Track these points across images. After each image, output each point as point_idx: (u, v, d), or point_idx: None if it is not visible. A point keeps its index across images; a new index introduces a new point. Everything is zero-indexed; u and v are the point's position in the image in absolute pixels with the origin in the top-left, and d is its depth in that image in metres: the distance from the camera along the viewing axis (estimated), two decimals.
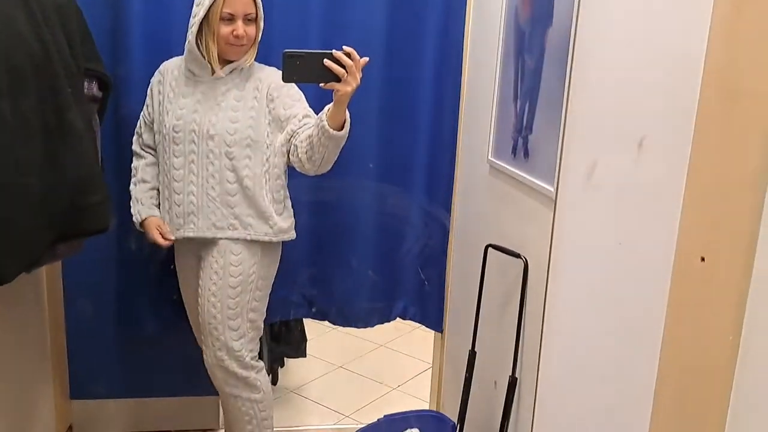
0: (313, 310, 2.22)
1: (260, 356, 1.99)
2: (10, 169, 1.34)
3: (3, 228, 1.35)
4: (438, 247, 2.19)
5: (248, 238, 1.72)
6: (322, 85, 1.52)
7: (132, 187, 1.82)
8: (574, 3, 1.24)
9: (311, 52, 1.50)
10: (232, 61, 1.70)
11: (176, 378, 2.15)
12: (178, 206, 1.73)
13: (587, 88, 1.18)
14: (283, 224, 1.76)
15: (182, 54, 1.75)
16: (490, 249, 1.65)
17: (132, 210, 1.80)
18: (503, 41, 1.70)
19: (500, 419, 1.55)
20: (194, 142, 1.70)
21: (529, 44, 1.55)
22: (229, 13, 1.62)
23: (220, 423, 2.23)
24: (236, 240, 1.72)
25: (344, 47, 1.50)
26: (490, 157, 1.76)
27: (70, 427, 2.15)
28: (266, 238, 1.74)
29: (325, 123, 1.57)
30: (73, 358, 2.07)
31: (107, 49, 1.79)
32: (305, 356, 2.58)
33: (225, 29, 1.63)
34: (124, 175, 1.86)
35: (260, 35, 1.70)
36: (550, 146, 1.37)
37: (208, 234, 1.72)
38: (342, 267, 2.17)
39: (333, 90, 1.52)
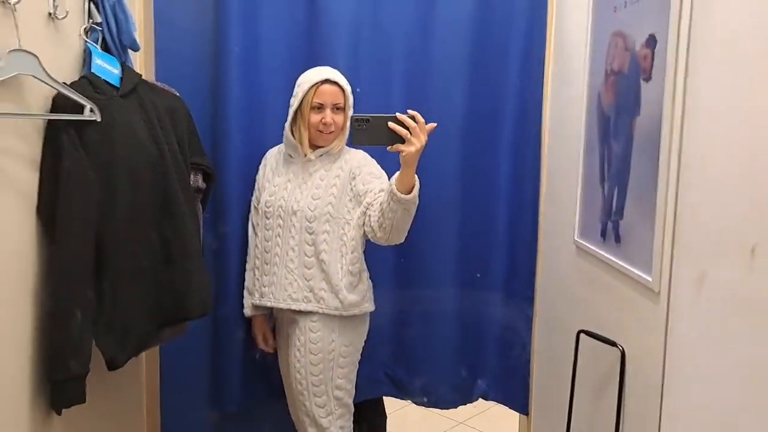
0: (396, 388, 2.22)
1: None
2: (129, 258, 1.45)
3: (122, 317, 1.44)
4: (522, 330, 2.16)
5: (320, 311, 1.78)
6: (388, 148, 1.59)
7: (247, 274, 1.94)
8: (664, 94, 1.25)
9: (376, 116, 1.58)
10: (321, 147, 1.82)
11: None
12: (266, 276, 1.84)
13: (691, 192, 1.15)
14: (353, 298, 1.80)
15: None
16: (582, 335, 1.62)
17: (245, 301, 1.94)
18: (586, 124, 1.72)
19: None
20: (281, 217, 1.82)
21: (615, 130, 1.56)
22: (319, 103, 1.77)
23: None
24: (312, 314, 1.78)
25: (408, 110, 1.57)
26: (577, 238, 1.76)
27: None
28: (336, 313, 1.78)
29: (394, 187, 1.62)
30: None
31: (208, 142, 1.93)
32: None
33: (315, 117, 1.78)
34: (221, 260, 1.97)
35: (348, 123, 1.80)
36: (644, 234, 1.35)
37: (283, 305, 1.81)
38: (426, 347, 2.17)
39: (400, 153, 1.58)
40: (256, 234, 1.91)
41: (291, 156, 1.86)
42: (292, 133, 1.81)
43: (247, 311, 1.94)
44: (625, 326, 1.46)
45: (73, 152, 1.33)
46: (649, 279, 1.32)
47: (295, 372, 1.80)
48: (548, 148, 2.06)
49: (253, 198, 1.95)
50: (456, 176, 2.11)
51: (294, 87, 1.83)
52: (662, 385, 1.25)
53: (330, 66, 1.86)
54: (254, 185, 1.96)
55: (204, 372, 2.08)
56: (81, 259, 1.35)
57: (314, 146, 1.83)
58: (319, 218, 1.78)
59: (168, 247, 1.56)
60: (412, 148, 1.56)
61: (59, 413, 1.39)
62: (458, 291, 2.17)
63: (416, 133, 1.55)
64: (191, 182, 1.69)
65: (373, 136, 1.58)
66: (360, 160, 1.83)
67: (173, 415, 2.09)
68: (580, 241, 1.73)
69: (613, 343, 1.47)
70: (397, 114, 1.56)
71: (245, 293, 1.95)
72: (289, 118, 1.81)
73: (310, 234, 1.78)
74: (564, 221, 1.86)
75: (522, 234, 2.14)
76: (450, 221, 2.12)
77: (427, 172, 1.79)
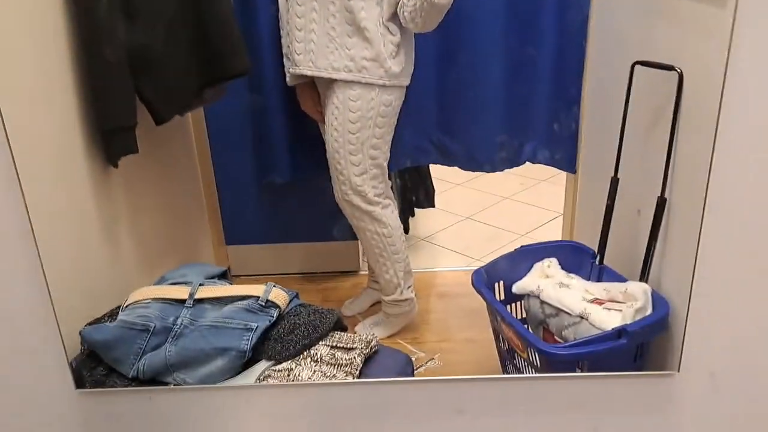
0: (442, 155, 2.23)
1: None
2: (163, 16, 1.41)
3: (162, 71, 1.44)
4: (572, 77, 2.07)
5: (362, 81, 1.73)
6: None
7: (283, 40, 1.87)
8: None
9: None
10: None
11: (318, 223, 2.28)
12: (299, 43, 1.76)
13: None
14: (396, 68, 1.75)
15: None
16: (636, 66, 1.54)
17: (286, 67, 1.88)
18: None
19: (646, 243, 1.51)
20: None
21: None
22: None
23: (361, 265, 2.38)
24: (353, 83, 1.74)
25: None
26: None
27: (228, 269, 2.37)
28: (380, 82, 1.74)
29: None
30: (224, 208, 2.25)
31: None
32: (434, 206, 2.65)
33: None
34: (252, 21, 1.91)
35: None
36: None
37: (324, 74, 1.75)
38: (470, 110, 2.13)
39: None
40: None
41: None
42: None
43: (290, 80, 1.90)
44: (684, 48, 1.37)
45: None
46: None
47: (332, 130, 1.80)
48: None
49: None
50: None
51: None
52: (719, 106, 1.19)
53: None
54: None
55: (250, 140, 2.13)
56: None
57: None
58: None
59: (200, 7, 1.50)
60: None
61: (116, 165, 1.44)
62: (504, 49, 2.06)
63: None
64: None
65: None
66: None
67: (225, 173, 2.19)
68: None
69: (671, 67, 1.39)
70: None
71: (284, 60, 1.90)
72: None
73: (350, 1, 1.67)
74: None
75: None
76: None
77: None
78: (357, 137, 1.79)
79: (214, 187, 2.21)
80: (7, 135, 1.12)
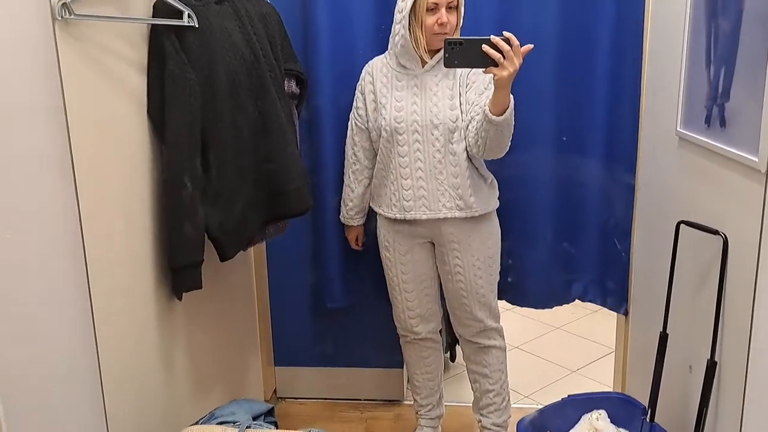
0: None
1: (440, 333, 2.10)
2: (232, 157, 1.55)
3: (231, 212, 1.56)
4: (621, 225, 2.11)
5: (475, 215, 1.81)
6: (483, 70, 1.55)
7: (346, 191, 2.00)
8: None
9: (470, 39, 1.53)
10: (437, 51, 1.75)
11: (367, 350, 2.32)
12: (407, 190, 1.81)
13: None
14: (493, 198, 1.88)
15: (367, 52, 1.90)
16: (682, 226, 1.57)
17: (341, 211, 2.03)
18: (692, 4, 1.60)
19: (698, 405, 1.48)
20: (417, 132, 1.77)
21: (723, 6, 1.44)
22: (434, 3, 1.69)
23: (405, 394, 2.37)
24: (464, 219, 1.82)
25: (504, 33, 1.51)
26: (679, 129, 1.67)
27: (275, 392, 2.41)
28: (485, 211, 1.83)
29: (486, 108, 1.60)
30: (276, 329, 2.33)
31: (299, 50, 1.97)
32: None
33: (430, 19, 1.70)
34: (317, 161, 2.07)
35: (461, 22, 1.75)
36: (751, 114, 1.27)
37: (440, 215, 1.80)
38: (521, 246, 2.18)
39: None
40: (359, 161, 1.93)
41: (405, 67, 1.79)
42: (413, 41, 1.73)
43: (352, 221, 2.02)
44: (727, 214, 1.40)
45: (176, 56, 1.42)
46: (755, 160, 1.25)
47: (469, 265, 1.86)
48: (650, 32, 1.93)
49: (355, 116, 1.91)
50: (553, 62, 2.02)
51: None
52: (759, 247, 1.20)
53: None
54: (352, 97, 1.92)
55: (307, 268, 2.24)
56: (186, 157, 1.46)
57: (431, 51, 1.77)
58: (459, 128, 1.75)
59: (266, 146, 1.64)
60: (505, 72, 1.50)
61: (180, 298, 1.55)
62: (556, 188, 2.13)
63: (510, 56, 1.49)
64: (285, 87, 1.75)
65: (467, 58, 1.53)
66: (475, 70, 1.76)
67: (281, 306, 2.29)
68: (683, 131, 1.65)
69: (715, 231, 1.42)
70: (491, 37, 1.50)
71: (342, 205, 2.02)
72: (404, 23, 1.71)
73: (452, 144, 1.76)
74: (665, 113, 1.77)
75: (622, 124, 2.04)
76: (547, 108, 2.05)
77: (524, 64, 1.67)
78: (493, 260, 1.89)
79: (268, 310, 2.31)
80: (87, 269, 1.23)
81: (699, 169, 1.56)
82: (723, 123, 1.43)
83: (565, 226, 2.15)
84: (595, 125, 2.07)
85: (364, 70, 1.89)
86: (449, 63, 1.56)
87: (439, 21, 1.69)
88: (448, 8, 1.70)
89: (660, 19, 1.87)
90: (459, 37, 1.55)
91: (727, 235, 1.39)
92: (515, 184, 2.08)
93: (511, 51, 1.49)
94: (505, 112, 1.59)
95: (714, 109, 1.47)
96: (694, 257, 1.56)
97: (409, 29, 1.72)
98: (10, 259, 1.04)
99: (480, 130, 1.65)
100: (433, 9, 1.69)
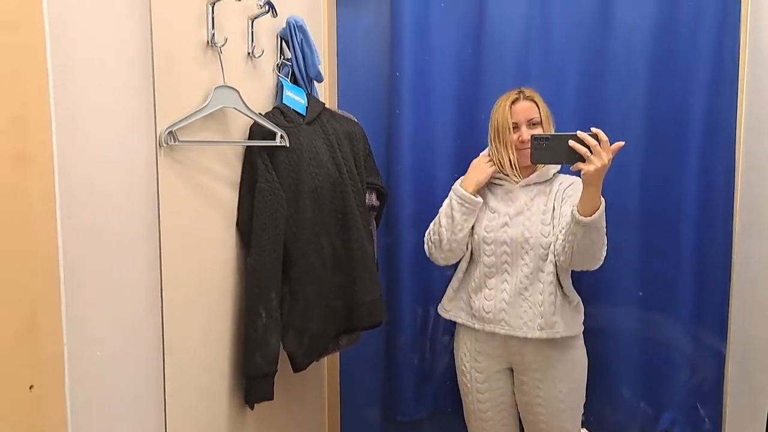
0: None
1: None
2: (309, 265, 1.59)
3: (308, 326, 1.58)
4: (712, 385, 1.99)
5: (557, 336, 1.70)
6: (571, 167, 1.53)
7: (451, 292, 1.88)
8: None
9: (557, 135, 1.54)
10: (529, 168, 1.75)
11: None
12: (488, 301, 1.76)
13: None
14: (580, 317, 1.77)
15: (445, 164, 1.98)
16: None
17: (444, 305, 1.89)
18: None
19: None
20: (506, 244, 1.73)
21: None
22: (514, 123, 1.73)
23: None
24: (547, 344, 1.72)
25: (592, 128, 1.50)
26: None
27: None
28: (568, 334, 1.72)
29: (575, 208, 1.56)
30: None
31: (382, 163, 2.05)
32: None
33: (512, 137, 1.73)
34: (392, 274, 2.08)
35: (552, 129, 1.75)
36: None
37: (519, 333, 1.71)
38: (607, 376, 2.06)
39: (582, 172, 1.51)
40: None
41: (501, 179, 1.79)
42: (498, 161, 1.75)
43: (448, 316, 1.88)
44: None
45: (266, 173, 1.50)
46: None
47: (538, 408, 1.75)
48: (744, 154, 1.86)
49: None
50: (637, 187, 2.00)
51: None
52: None
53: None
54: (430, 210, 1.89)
55: (379, 379, 2.20)
56: (270, 265, 1.50)
57: (525, 169, 1.76)
58: (550, 246, 1.70)
59: (344, 258, 1.67)
60: (592, 167, 1.47)
61: (252, 408, 1.55)
62: (643, 317, 2.04)
63: (597, 151, 1.47)
64: (366, 200, 1.80)
65: (553, 154, 1.54)
66: (573, 185, 1.75)
67: (352, 417, 2.23)
68: None
69: None
70: (578, 132, 1.50)
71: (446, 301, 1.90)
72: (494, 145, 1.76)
73: (544, 261, 1.70)
74: (762, 233, 1.68)
75: (714, 256, 1.96)
76: (632, 241, 2.00)
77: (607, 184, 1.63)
78: (579, 392, 1.77)
79: (338, 420, 2.26)
80: (164, 377, 1.26)
81: None
82: None
83: (653, 357, 2.05)
84: (683, 257, 2.00)
85: None
86: (536, 159, 1.57)
87: (519, 138, 1.72)
88: (531, 125, 1.72)
89: (755, 140, 1.81)
90: (546, 133, 1.56)
91: None
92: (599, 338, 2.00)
93: (599, 146, 1.48)
94: (594, 213, 1.53)
95: None
96: None
97: (495, 150, 1.76)
98: (98, 371, 1.09)
99: (568, 234, 1.60)
100: (515, 128, 1.73)
